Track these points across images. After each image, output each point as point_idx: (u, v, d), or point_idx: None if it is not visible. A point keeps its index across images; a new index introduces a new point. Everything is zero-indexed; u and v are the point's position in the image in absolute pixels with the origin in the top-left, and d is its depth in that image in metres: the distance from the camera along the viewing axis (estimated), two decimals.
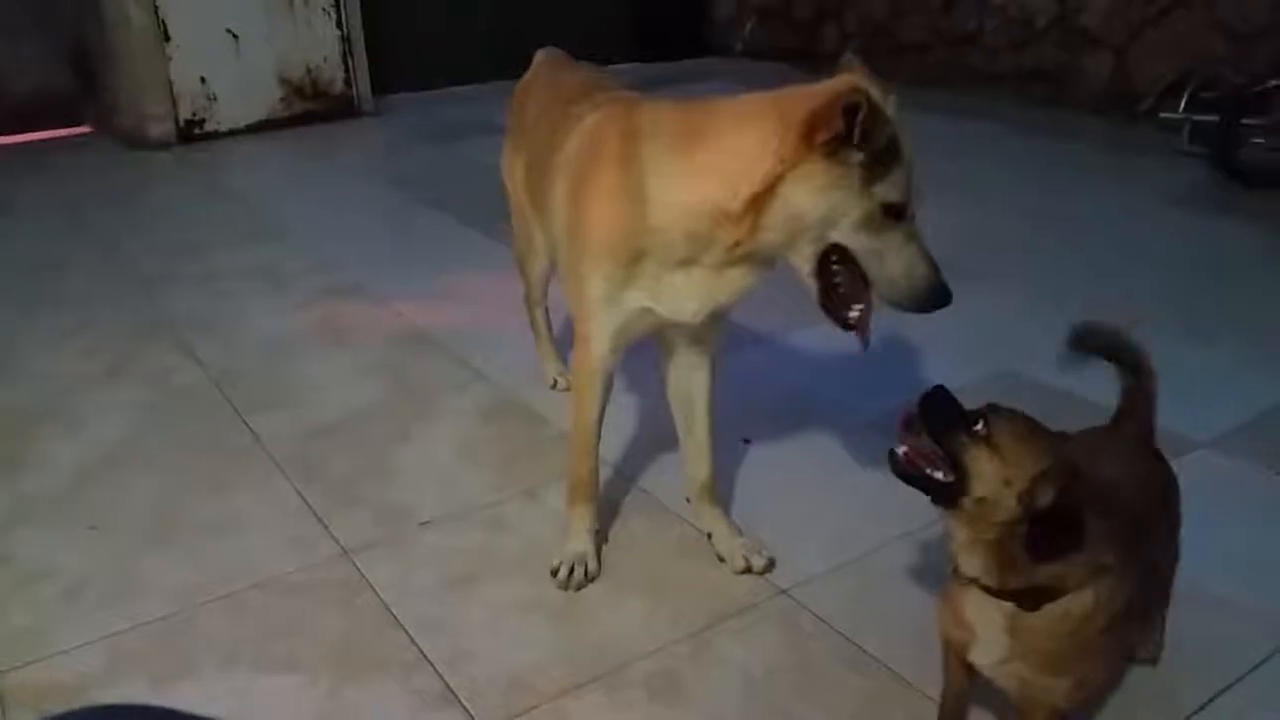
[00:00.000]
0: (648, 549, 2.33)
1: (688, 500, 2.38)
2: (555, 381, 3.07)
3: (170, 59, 6.23)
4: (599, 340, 2.06)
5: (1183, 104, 5.38)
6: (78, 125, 6.80)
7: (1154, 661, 1.90)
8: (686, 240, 1.86)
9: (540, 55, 2.78)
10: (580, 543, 2.24)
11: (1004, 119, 6.20)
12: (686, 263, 1.91)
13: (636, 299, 1.98)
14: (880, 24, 7.71)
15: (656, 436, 2.67)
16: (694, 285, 1.93)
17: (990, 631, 1.52)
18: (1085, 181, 5.09)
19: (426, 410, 2.99)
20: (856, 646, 1.98)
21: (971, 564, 1.49)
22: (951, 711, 1.71)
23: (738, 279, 1.91)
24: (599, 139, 2.00)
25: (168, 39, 6.18)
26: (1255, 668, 1.89)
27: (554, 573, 2.20)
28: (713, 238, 1.83)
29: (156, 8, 6.09)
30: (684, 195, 1.83)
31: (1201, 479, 2.49)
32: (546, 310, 3.07)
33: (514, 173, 2.69)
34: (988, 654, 1.54)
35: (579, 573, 2.19)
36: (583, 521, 2.26)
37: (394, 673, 1.95)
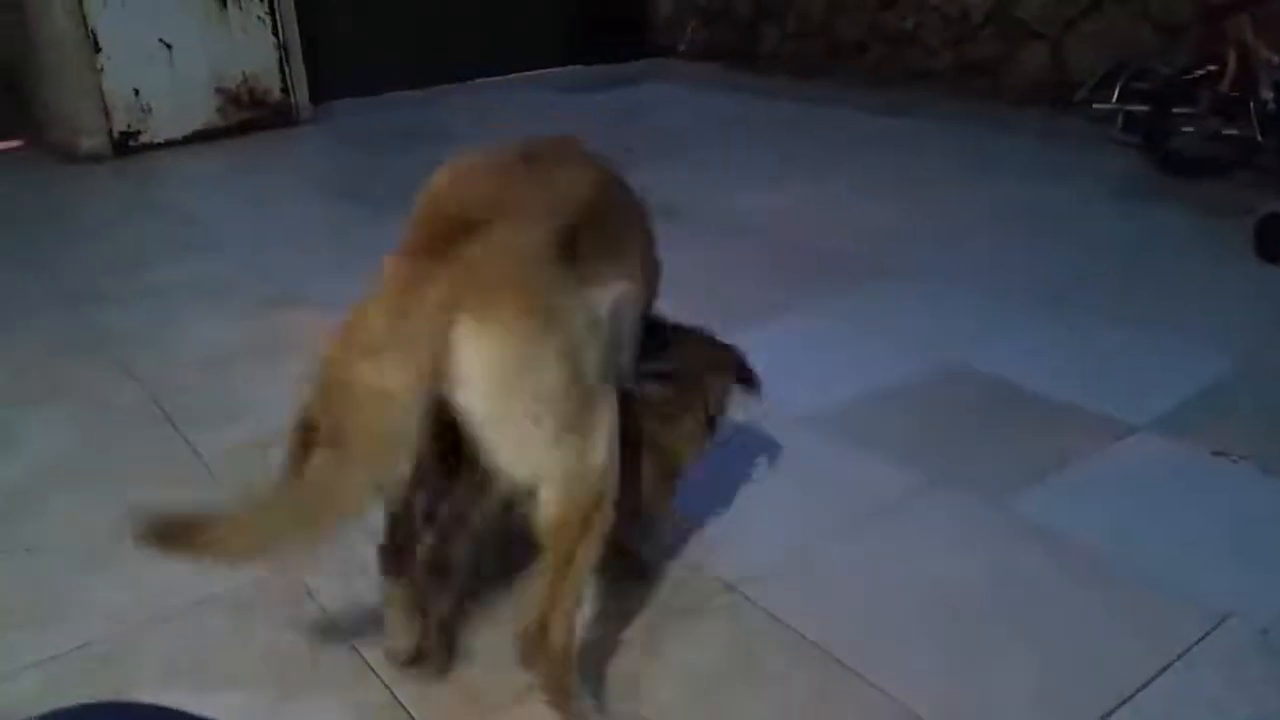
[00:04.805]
0: None
1: None
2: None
3: (101, 70, 6.10)
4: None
5: (1115, 94, 5.47)
6: (9, 140, 6.65)
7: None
8: None
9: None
10: None
11: (942, 115, 6.27)
12: None
13: None
14: (819, 23, 7.76)
15: None
16: None
17: None
18: (1022, 173, 5.15)
19: None
20: (800, 635, 1.99)
21: None
22: None
23: None
24: None
25: (98, 50, 6.05)
26: (1192, 646, 1.92)
27: None
28: None
29: (85, 18, 5.96)
30: None
31: (1141, 462, 2.55)
32: None
33: None
34: None
35: None
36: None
37: (338, 685, 1.92)
